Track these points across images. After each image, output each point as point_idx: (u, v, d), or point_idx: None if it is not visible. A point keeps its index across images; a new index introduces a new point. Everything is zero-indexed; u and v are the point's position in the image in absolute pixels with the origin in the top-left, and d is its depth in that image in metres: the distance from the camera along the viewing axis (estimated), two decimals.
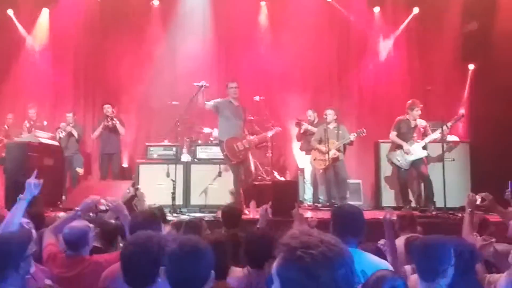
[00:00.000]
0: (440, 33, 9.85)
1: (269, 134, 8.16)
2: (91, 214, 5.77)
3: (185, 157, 8.44)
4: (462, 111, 9.15)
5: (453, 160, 8.13)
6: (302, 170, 9.27)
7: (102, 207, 4.07)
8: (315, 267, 1.33)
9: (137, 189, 4.87)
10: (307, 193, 8.94)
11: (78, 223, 3.42)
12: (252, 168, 7.60)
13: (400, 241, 4.24)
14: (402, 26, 10.28)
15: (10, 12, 10.10)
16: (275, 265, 1.40)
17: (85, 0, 10.23)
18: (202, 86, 7.00)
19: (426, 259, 2.67)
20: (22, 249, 2.59)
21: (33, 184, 3.34)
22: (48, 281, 2.84)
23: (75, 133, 8.87)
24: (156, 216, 3.28)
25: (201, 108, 7.33)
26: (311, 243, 1.36)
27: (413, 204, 7.71)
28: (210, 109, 7.30)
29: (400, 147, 7.64)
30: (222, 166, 7.79)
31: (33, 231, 3.21)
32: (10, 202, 6.55)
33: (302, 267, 1.34)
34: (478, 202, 4.27)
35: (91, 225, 3.56)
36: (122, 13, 10.27)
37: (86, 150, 9.73)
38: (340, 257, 1.36)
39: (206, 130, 8.85)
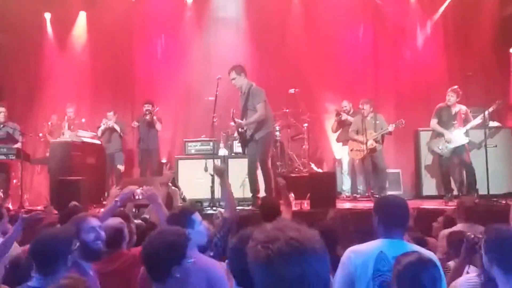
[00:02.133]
0: (478, 17, 9.57)
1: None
2: (133, 210, 5.93)
3: (222, 151, 8.52)
4: None
5: (496, 146, 7.89)
6: (340, 161, 9.19)
7: (138, 197, 4.18)
8: (269, 262, 1.31)
9: (168, 187, 4.97)
10: (345, 184, 8.85)
11: (112, 221, 3.49)
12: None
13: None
14: (438, 14, 9.99)
15: (47, 15, 10.45)
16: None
17: (120, 1, 10.42)
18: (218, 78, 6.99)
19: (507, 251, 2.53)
20: (68, 244, 2.71)
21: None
22: None
23: (118, 128, 9.05)
24: (186, 212, 3.26)
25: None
26: (273, 238, 1.34)
27: (455, 192, 7.54)
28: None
29: (441, 135, 7.48)
30: None
31: (102, 233, 3.30)
32: (55, 200, 6.82)
33: (259, 262, 1.34)
34: None
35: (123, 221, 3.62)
36: (157, 13, 10.45)
37: (127, 147, 9.93)
38: (298, 254, 1.32)
39: None
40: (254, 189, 6.84)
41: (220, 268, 2.95)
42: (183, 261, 2.49)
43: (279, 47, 10.17)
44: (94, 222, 3.12)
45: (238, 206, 7.21)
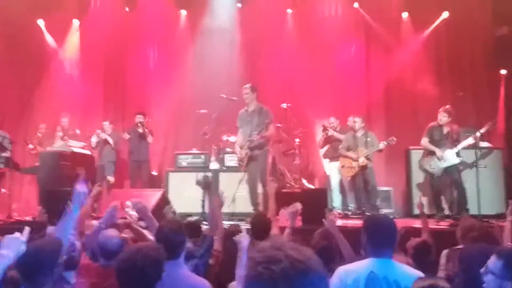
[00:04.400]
0: (470, 38, 9.70)
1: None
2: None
3: (214, 165, 8.45)
4: None
5: (485, 167, 7.88)
6: (328, 178, 9.18)
7: (128, 210, 4.09)
8: (273, 284, 1.28)
9: (174, 213, 4.97)
10: (335, 201, 8.82)
11: (112, 233, 3.45)
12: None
13: None
14: (430, 29, 10.06)
15: (40, 22, 10.31)
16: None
17: (114, 11, 10.40)
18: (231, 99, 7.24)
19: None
20: (55, 257, 2.66)
21: (82, 193, 3.22)
22: None
23: (111, 141, 8.94)
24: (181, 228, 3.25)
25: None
26: (274, 258, 1.31)
27: (446, 212, 7.55)
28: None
29: (432, 153, 7.49)
30: None
31: (77, 242, 3.23)
32: (44, 211, 6.73)
33: (262, 283, 1.29)
34: None
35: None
36: (151, 23, 10.43)
37: (121, 157, 9.83)
38: (303, 275, 1.30)
39: (231, 138, 8.50)
40: (256, 202, 7.06)
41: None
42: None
43: (272, 61, 10.17)
44: None
45: (228, 221, 7.20)
